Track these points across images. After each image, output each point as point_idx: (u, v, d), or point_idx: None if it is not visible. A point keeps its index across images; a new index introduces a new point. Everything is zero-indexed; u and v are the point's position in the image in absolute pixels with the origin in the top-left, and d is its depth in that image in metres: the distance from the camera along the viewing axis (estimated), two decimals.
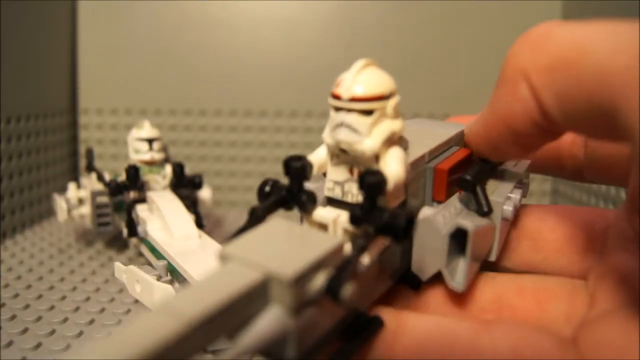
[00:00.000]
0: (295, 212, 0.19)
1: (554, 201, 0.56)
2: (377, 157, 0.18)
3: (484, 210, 0.20)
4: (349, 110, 0.17)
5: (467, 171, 0.20)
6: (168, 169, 0.43)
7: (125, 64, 0.59)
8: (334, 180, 0.19)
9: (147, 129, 0.43)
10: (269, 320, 0.14)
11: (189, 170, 0.47)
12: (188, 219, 0.37)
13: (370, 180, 0.16)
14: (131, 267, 0.30)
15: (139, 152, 0.43)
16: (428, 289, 0.21)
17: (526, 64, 0.17)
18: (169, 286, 0.28)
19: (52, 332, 0.30)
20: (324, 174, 0.20)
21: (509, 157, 0.23)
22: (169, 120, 0.60)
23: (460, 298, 0.21)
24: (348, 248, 0.17)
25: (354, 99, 0.17)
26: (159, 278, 0.29)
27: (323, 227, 0.19)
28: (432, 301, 0.21)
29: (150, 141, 0.43)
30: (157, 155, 0.43)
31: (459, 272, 0.20)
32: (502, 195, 0.21)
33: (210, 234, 0.38)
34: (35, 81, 0.52)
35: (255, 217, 0.18)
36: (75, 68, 0.59)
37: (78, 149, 0.60)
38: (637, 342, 0.16)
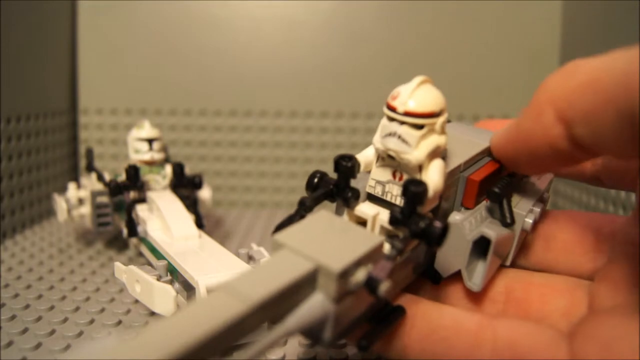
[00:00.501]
0: (332, 204, 0.21)
1: (554, 200, 0.56)
2: (420, 167, 0.20)
3: (507, 221, 0.22)
4: (402, 122, 0.19)
5: (496, 184, 0.22)
6: (168, 169, 0.43)
7: (125, 64, 0.59)
8: (377, 180, 0.21)
9: (147, 129, 0.43)
10: (314, 306, 0.16)
11: (188, 170, 0.47)
12: (188, 219, 0.37)
13: (414, 189, 0.18)
14: (131, 267, 0.30)
15: (139, 152, 0.43)
16: (446, 282, 0.23)
17: (553, 92, 0.19)
18: (168, 286, 0.28)
19: (52, 332, 0.30)
20: (368, 172, 0.22)
21: (526, 173, 0.24)
22: (169, 120, 0.60)
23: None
24: (386, 246, 0.19)
25: (407, 113, 0.19)
26: (158, 278, 0.29)
27: (362, 221, 0.21)
28: (448, 289, 0.23)
29: (150, 141, 0.43)
30: (157, 155, 0.43)
31: (476, 274, 0.22)
32: (525, 209, 0.23)
33: (210, 234, 0.39)
34: (35, 81, 0.52)
35: (305, 207, 0.20)
36: (75, 68, 0.59)
37: (78, 149, 0.60)
38: (630, 340, 0.17)
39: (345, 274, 0.16)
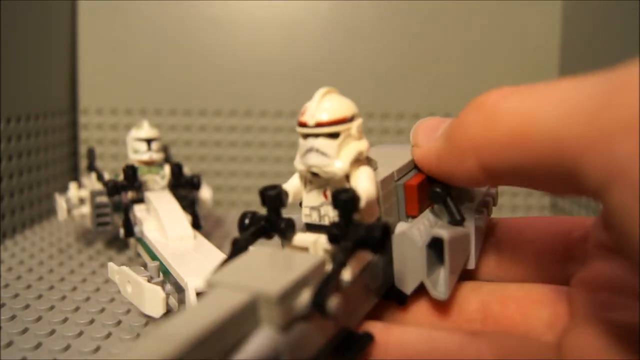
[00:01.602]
0: (277, 240, 0.20)
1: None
2: (347, 177, 0.19)
3: (457, 218, 0.21)
4: (317, 135, 0.18)
5: (436, 185, 0.21)
6: (167, 169, 0.43)
7: (125, 64, 0.59)
8: (310, 206, 0.20)
9: (145, 129, 0.43)
10: (261, 340, 0.15)
11: (189, 170, 0.47)
12: (183, 219, 0.37)
13: (343, 197, 0.17)
14: (123, 267, 0.30)
15: (138, 152, 0.43)
16: (414, 303, 0.22)
17: (476, 139, 0.18)
18: (158, 288, 0.28)
19: (52, 332, 0.30)
20: (300, 204, 0.21)
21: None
22: (169, 120, 0.60)
23: (446, 309, 0.22)
24: (330, 266, 0.18)
25: (319, 124, 0.18)
26: (150, 279, 0.29)
27: (304, 250, 0.19)
28: (419, 314, 0.22)
29: (148, 141, 0.43)
30: (156, 156, 0.43)
31: (440, 281, 0.21)
32: (473, 204, 0.23)
33: (210, 234, 0.38)
34: (35, 81, 0.52)
35: (238, 248, 0.18)
36: (75, 68, 0.59)
37: (78, 149, 0.60)
38: (614, 345, 0.17)
39: (286, 298, 0.15)
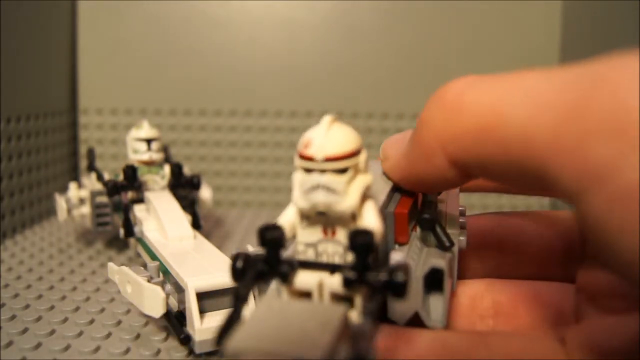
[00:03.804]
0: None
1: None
2: (352, 214, 0.18)
3: (446, 245, 0.20)
4: (322, 171, 0.17)
5: (424, 210, 0.21)
6: (167, 169, 0.43)
7: (125, 64, 0.59)
8: (306, 243, 0.18)
9: (145, 129, 0.43)
10: None
11: (189, 170, 0.46)
12: (183, 219, 0.37)
13: (362, 240, 0.16)
14: (123, 267, 0.30)
15: (137, 152, 0.43)
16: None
17: (442, 133, 0.17)
18: (158, 288, 0.27)
19: (52, 332, 0.30)
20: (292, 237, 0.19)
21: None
22: (169, 120, 0.60)
23: (461, 306, 0.22)
24: (352, 314, 0.17)
25: (328, 159, 0.17)
26: (149, 279, 0.29)
27: (304, 294, 0.18)
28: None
29: (148, 141, 0.43)
30: (156, 156, 0.43)
31: (437, 310, 0.20)
32: (455, 227, 0.22)
33: (210, 234, 0.38)
34: (35, 81, 0.52)
35: (241, 300, 0.17)
36: (75, 68, 0.59)
37: (78, 149, 0.60)
38: (618, 345, 0.17)
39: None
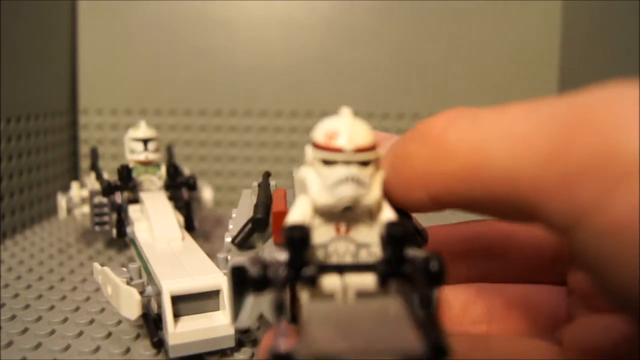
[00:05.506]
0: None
1: None
2: (370, 210, 0.17)
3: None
4: (348, 162, 0.16)
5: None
6: (164, 170, 0.43)
7: (125, 64, 0.59)
8: (319, 243, 0.17)
9: (142, 129, 0.43)
10: None
11: (189, 170, 0.46)
12: (173, 221, 0.37)
13: (398, 232, 0.16)
14: (105, 268, 0.29)
15: (134, 152, 0.43)
16: None
17: (424, 172, 0.17)
18: (133, 289, 0.27)
19: (52, 332, 0.30)
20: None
21: None
22: (169, 120, 0.60)
23: (453, 311, 0.22)
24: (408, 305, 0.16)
25: (359, 150, 0.16)
26: (129, 281, 0.28)
27: (329, 297, 0.17)
28: None
29: (145, 141, 0.42)
30: (152, 156, 0.43)
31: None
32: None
33: (209, 234, 0.38)
34: (35, 81, 0.52)
35: (282, 313, 0.15)
36: (75, 68, 0.59)
37: (78, 149, 0.60)
38: (612, 345, 0.17)
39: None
